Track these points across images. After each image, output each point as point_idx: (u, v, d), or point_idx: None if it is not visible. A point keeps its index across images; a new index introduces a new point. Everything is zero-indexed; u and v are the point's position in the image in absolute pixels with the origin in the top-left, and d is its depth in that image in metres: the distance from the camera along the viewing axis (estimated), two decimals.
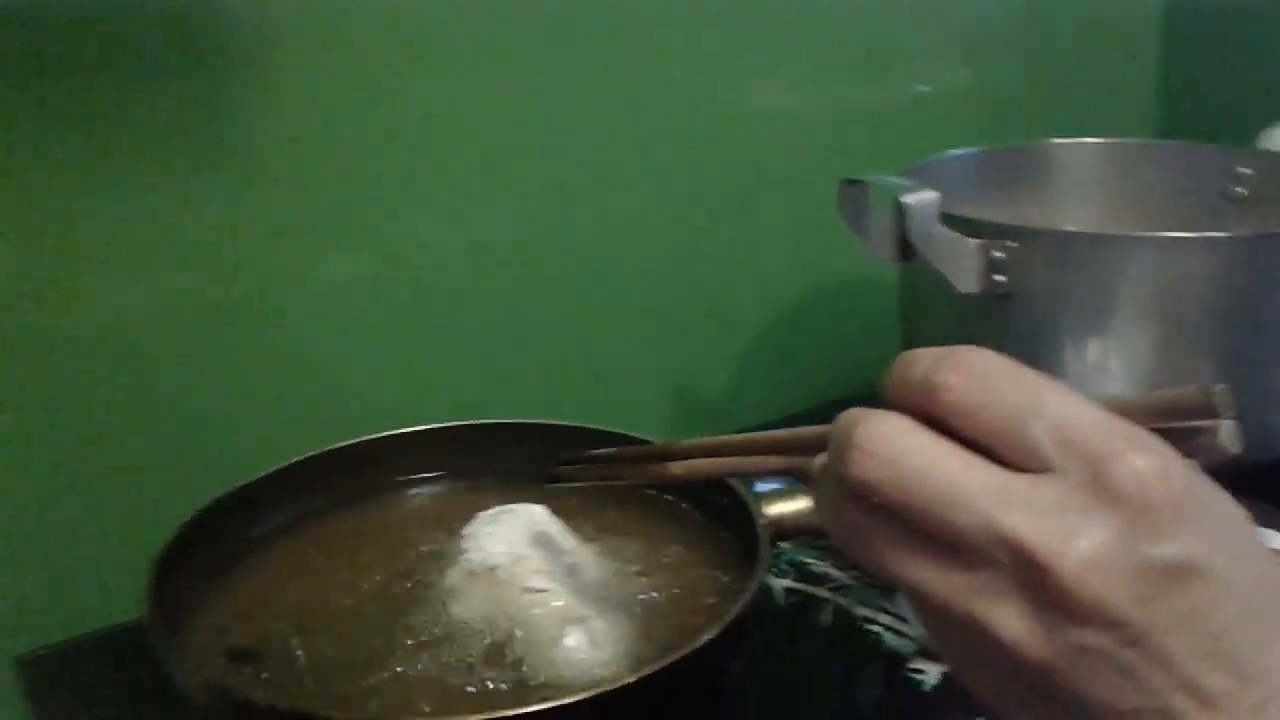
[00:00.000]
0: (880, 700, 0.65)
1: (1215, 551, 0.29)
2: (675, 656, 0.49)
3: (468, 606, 0.56)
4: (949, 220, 0.70)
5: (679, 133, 0.91)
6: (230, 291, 0.74)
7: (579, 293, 0.89)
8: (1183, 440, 0.31)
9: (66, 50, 0.66)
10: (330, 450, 0.65)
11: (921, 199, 0.71)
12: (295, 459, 0.64)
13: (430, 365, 0.83)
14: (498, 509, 0.59)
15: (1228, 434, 0.31)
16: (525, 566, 0.57)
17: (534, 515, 0.60)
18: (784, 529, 0.61)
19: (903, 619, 0.68)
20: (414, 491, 0.68)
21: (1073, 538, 0.29)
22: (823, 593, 0.72)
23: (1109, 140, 0.94)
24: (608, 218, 0.90)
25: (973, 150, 0.89)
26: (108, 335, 0.71)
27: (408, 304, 0.82)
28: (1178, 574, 0.29)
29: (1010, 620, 0.30)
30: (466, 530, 0.59)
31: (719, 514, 0.63)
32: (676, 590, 0.60)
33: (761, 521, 0.59)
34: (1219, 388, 0.31)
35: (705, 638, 0.50)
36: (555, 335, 0.89)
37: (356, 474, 0.66)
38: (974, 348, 0.32)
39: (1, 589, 0.69)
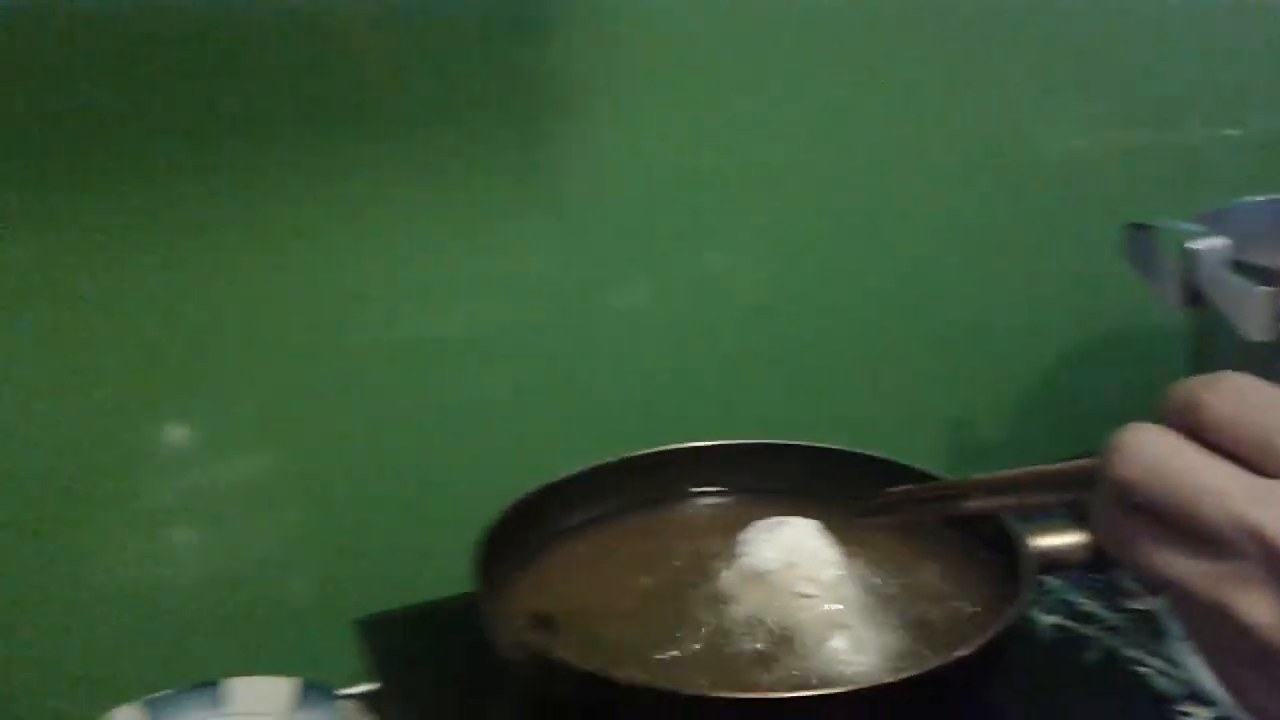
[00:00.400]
0: None
1: None
2: (934, 665, 0.53)
3: (742, 605, 0.61)
4: (1240, 268, 0.70)
5: (972, 173, 0.94)
6: (541, 313, 0.84)
7: (860, 325, 0.93)
8: None
9: (403, 94, 0.76)
10: (629, 457, 0.72)
11: (1211, 245, 0.71)
12: (598, 463, 0.71)
13: (718, 385, 0.89)
14: (774, 520, 0.64)
15: None
16: (796, 573, 0.61)
17: (806, 528, 0.64)
18: (1049, 561, 0.63)
19: (1173, 662, 0.68)
20: (701, 500, 0.74)
21: None
22: (1091, 631, 0.72)
23: None
24: (893, 254, 0.93)
25: (1270, 197, 0.87)
26: (438, 347, 0.81)
27: (698, 330, 0.88)
28: None
29: (1258, 607, 0.32)
30: (744, 536, 0.64)
31: (984, 540, 0.65)
32: (936, 609, 0.63)
33: (1028, 550, 0.61)
34: None
35: (965, 651, 0.53)
36: (836, 365, 0.93)
37: (651, 480, 0.73)
38: (1236, 373, 0.35)
39: (347, 561, 0.81)
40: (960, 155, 0.93)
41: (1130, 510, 0.35)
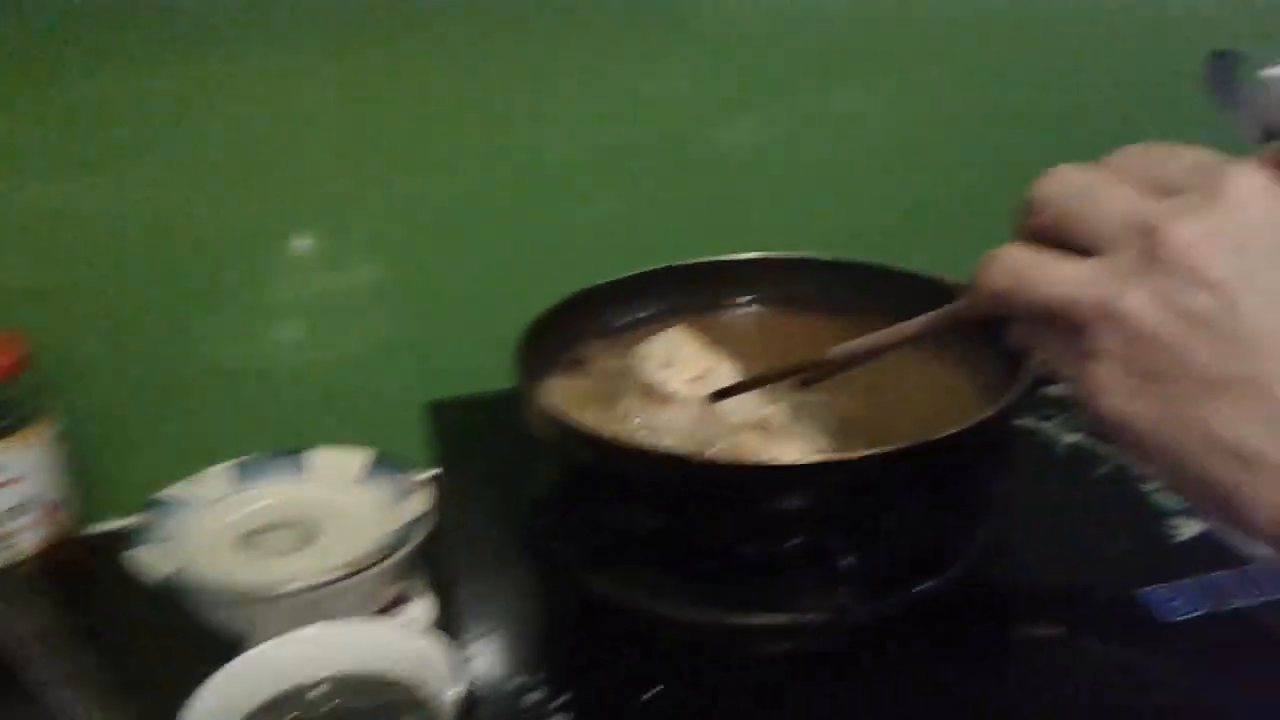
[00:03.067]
0: (1129, 547, 0.66)
1: None
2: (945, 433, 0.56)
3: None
4: None
5: None
6: (646, 140, 0.88)
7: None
8: None
9: None
10: (672, 266, 0.78)
11: None
12: (639, 270, 0.77)
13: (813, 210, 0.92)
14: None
15: None
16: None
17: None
18: None
19: None
20: (735, 310, 0.79)
21: (1181, 217, 0.37)
22: (1106, 450, 0.75)
23: None
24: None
25: None
26: (544, 171, 0.87)
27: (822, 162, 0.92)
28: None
29: (1133, 294, 0.37)
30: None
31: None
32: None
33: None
34: None
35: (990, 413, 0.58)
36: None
37: (690, 289, 0.78)
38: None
39: (426, 360, 0.90)
40: None
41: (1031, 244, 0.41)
